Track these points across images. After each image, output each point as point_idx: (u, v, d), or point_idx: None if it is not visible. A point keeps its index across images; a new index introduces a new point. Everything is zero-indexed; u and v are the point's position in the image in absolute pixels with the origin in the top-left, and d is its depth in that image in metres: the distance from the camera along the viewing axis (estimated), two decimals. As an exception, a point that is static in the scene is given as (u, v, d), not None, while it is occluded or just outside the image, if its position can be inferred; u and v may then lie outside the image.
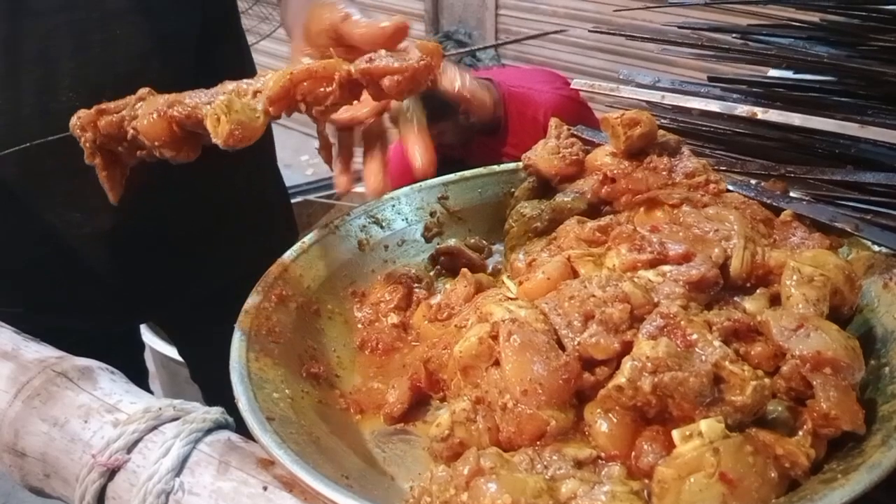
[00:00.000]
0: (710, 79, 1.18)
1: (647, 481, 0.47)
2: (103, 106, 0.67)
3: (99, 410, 0.56)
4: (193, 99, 0.63)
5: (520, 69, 2.78)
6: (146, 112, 0.64)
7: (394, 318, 0.73)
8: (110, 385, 0.59)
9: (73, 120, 0.67)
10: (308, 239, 0.76)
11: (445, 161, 0.95)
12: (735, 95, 1.02)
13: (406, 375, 0.65)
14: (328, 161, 0.72)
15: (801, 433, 0.49)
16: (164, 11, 0.88)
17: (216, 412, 0.55)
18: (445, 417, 0.53)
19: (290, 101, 0.63)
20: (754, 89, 1.10)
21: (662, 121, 1.01)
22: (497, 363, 0.53)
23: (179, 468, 0.51)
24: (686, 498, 0.45)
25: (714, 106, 0.85)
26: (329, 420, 0.61)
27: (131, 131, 0.65)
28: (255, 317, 0.64)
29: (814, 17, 1.14)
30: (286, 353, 0.64)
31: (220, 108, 0.60)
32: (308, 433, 0.56)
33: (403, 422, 0.62)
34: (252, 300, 0.66)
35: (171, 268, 1.01)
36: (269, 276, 0.69)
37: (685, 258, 0.58)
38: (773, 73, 1.20)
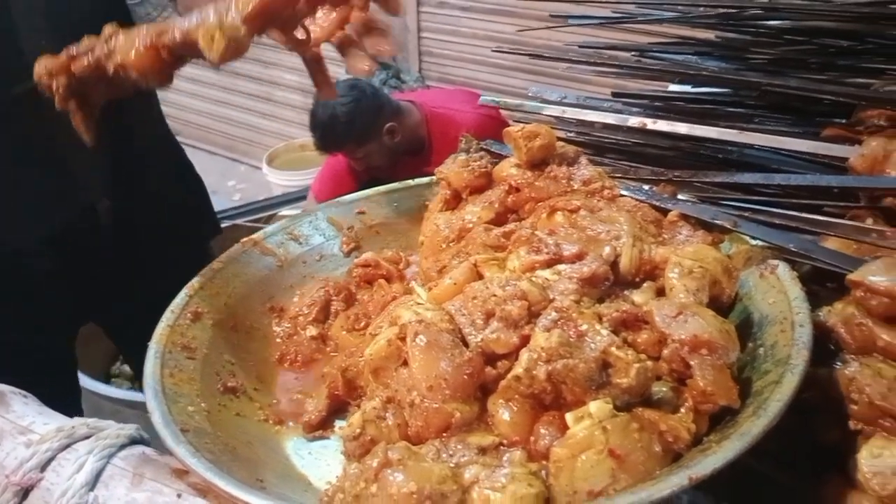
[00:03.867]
0: (614, 94, 1.25)
1: (544, 462, 0.51)
2: (72, 50, 0.67)
3: (11, 433, 0.56)
4: (182, 24, 0.64)
5: (443, 90, 2.85)
6: (128, 46, 0.65)
7: (312, 331, 0.75)
8: (22, 408, 0.59)
9: (39, 68, 0.67)
10: (225, 256, 0.77)
11: (372, 182, 0.99)
12: (635, 109, 1.09)
13: (325, 385, 0.67)
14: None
15: (683, 410, 0.53)
16: None
17: (130, 428, 0.56)
18: (356, 417, 0.56)
19: (264, 19, 0.64)
20: (655, 103, 1.18)
21: (569, 133, 1.07)
22: (406, 363, 0.56)
23: (93, 483, 0.51)
24: (579, 474, 0.48)
25: (610, 119, 0.91)
26: (247, 431, 0.62)
27: (112, 67, 0.65)
28: (170, 334, 0.65)
29: (710, 35, 1.23)
30: (203, 369, 0.65)
31: (213, 28, 0.62)
32: (224, 443, 0.57)
33: (322, 429, 0.64)
34: (167, 317, 0.67)
35: (113, 271, 1.01)
36: (184, 294, 0.70)
37: (579, 257, 0.63)
38: (672, 87, 1.28)
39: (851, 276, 0.60)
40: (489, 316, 0.57)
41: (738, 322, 0.64)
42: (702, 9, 1.06)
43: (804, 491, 0.56)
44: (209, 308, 0.72)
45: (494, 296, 0.58)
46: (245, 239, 0.79)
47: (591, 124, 0.99)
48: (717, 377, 0.53)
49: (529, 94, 1.13)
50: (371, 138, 2.14)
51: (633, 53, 1.19)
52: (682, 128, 0.84)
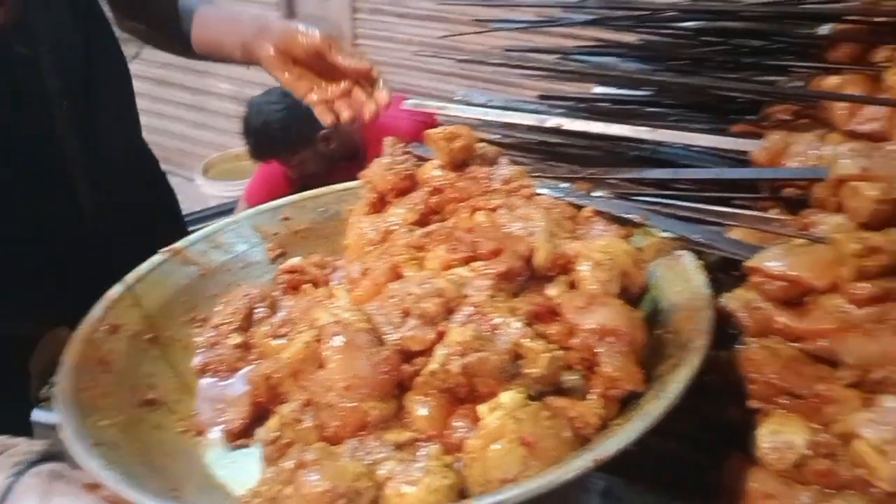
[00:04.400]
0: (541, 97, 1.28)
1: (459, 455, 0.52)
2: None
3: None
4: None
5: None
6: None
7: (235, 339, 0.74)
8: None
9: None
10: (143, 268, 0.76)
11: (307, 189, 0.99)
12: (559, 110, 1.12)
13: (247, 392, 0.66)
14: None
15: (592, 396, 0.55)
16: None
17: (41, 444, 0.55)
18: (274, 421, 0.56)
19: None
20: (580, 104, 1.22)
21: (495, 135, 1.10)
22: (323, 365, 0.57)
23: (1, 500, 0.50)
24: (492, 463, 0.50)
25: (530, 120, 0.93)
26: (166, 443, 0.61)
27: None
28: (84, 347, 0.64)
29: (632, 38, 1.27)
30: (120, 382, 0.64)
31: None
32: (139, 456, 0.56)
33: (245, 437, 0.64)
34: (81, 331, 0.65)
35: (87, 277, 0.98)
36: (99, 307, 0.69)
37: (495, 254, 0.64)
38: (597, 89, 1.32)
39: (749, 263, 0.63)
40: (406, 314, 0.58)
41: (647, 310, 0.66)
42: (619, 13, 1.09)
43: (712, 469, 0.59)
44: (128, 320, 0.71)
45: (411, 294, 0.59)
46: (165, 248, 0.78)
47: (514, 126, 1.01)
48: (623, 363, 0.55)
49: (456, 98, 1.15)
50: (305, 145, 2.13)
51: (557, 56, 1.22)
52: (596, 127, 0.87)
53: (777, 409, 0.56)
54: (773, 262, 0.61)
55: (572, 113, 1.07)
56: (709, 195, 0.80)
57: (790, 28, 0.97)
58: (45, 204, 0.89)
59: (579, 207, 0.76)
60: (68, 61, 0.91)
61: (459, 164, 0.80)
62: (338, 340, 0.55)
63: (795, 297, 0.60)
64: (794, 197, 0.74)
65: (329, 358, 0.55)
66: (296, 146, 2.13)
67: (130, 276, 0.74)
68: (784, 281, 0.60)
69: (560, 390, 0.56)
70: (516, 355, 0.55)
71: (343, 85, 0.87)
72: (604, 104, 1.19)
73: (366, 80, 0.87)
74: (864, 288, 0.56)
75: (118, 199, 1.00)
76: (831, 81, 0.80)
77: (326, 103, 0.86)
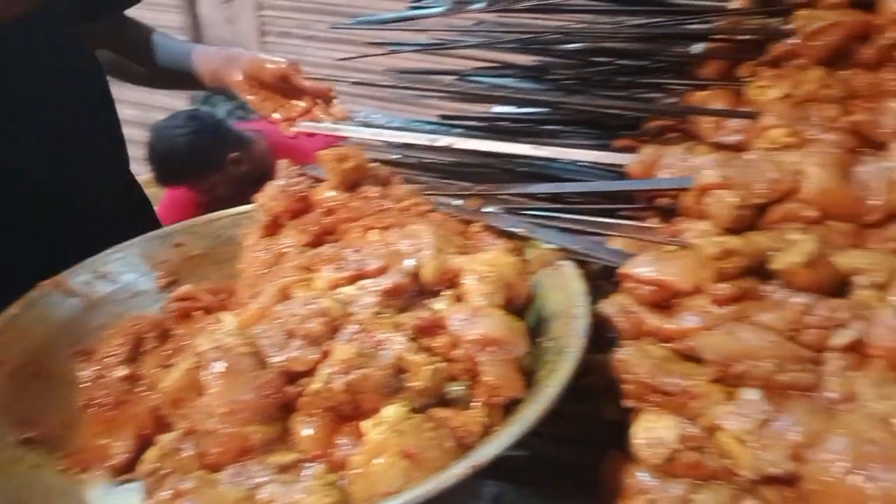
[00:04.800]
0: (442, 117, 1.31)
1: (343, 472, 0.52)
2: None
3: None
4: None
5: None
6: None
7: (122, 371, 0.72)
8: None
9: None
10: (23, 301, 0.73)
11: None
12: (458, 130, 1.15)
13: (132, 425, 0.65)
14: None
15: (476, 405, 0.57)
16: None
17: None
18: (153, 452, 0.55)
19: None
20: (481, 123, 1.25)
21: (395, 156, 1.11)
22: (204, 391, 0.56)
23: None
24: (375, 478, 0.50)
25: (422, 139, 0.95)
26: (45, 483, 0.59)
27: None
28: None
29: (529, 59, 1.31)
30: (-5, 421, 0.61)
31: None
32: (14, 498, 0.54)
33: (130, 472, 0.62)
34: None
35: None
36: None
37: (381, 271, 0.65)
38: (496, 108, 1.36)
39: (621, 269, 0.66)
40: (290, 335, 0.58)
41: (532, 320, 0.69)
42: (509, 36, 1.13)
43: (594, 468, 0.61)
44: (6, 356, 0.68)
45: (295, 315, 0.59)
46: (44, 281, 0.75)
47: (413, 146, 1.03)
48: (503, 371, 0.57)
49: (356, 120, 1.16)
50: (215, 169, 2.10)
51: (454, 77, 1.25)
52: (486, 145, 0.90)
53: (649, 407, 0.59)
54: (643, 267, 0.65)
55: (468, 132, 1.10)
56: (593, 207, 0.84)
57: (667, 48, 1.03)
58: None
59: (470, 223, 0.79)
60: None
61: (352, 184, 0.81)
62: (218, 366, 0.55)
63: (664, 300, 0.64)
64: (667, 206, 0.78)
65: (209, 384, 0.55)
66: (204, 170, 2.10)
67: (12, 310, 0.71)
68: (653, 285, 0.64)
69: (445, 401, 0.57)
70: (399, 369, 0.56)
71: (304, 104, 1.02)
72: (502, 123, 1.23)
73: (323, 100, 1.04)
74: (724, 289, 0.60)
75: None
76: (700, 96, 0.86)
77: (289, 120, 1.01)
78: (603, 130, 1.10)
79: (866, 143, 0.67)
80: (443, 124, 1.24)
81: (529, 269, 0.73)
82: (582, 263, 0.74)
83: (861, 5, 0.71)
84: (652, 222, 0.80)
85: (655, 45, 1.04)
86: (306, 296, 0.61)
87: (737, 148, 0.75)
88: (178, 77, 1.19)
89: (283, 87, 1.01)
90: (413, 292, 0.65)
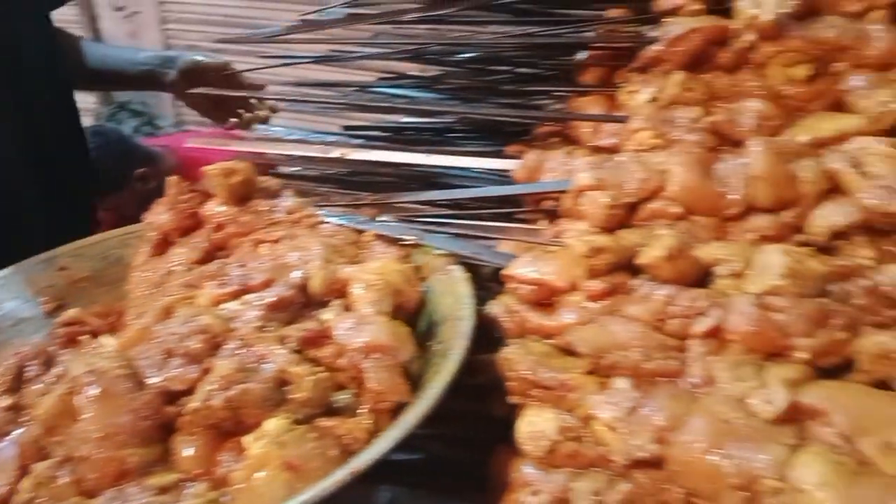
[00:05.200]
0: (345, 128, 1.31)
1: (226, 489, 0.52)
2: None
3: None
4: None
5: (201, 132, 2.78)
6: None
7: (5, 401, 0.69)
8: None
9: None
10: None
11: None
12: (358, 141, 1.15)
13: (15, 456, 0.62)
14: None
15: (363, 412, 0.58)
16: None
17: None
18: (27, 482, 0.53)
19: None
20: (384, 134, 1.26)
21: (295, 168, 1.11)
22: (79, 416, 0.54)
23: None
24: (258, 492, 0.50)
25: (314, 151, 0.95)
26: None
27: None
28: None
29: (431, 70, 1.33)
30: None
31: None
32: None
33: (10, 504, 0.60)
34: None
35: None
36: None
37: (266, 285, 0.65)
38: (404, 119, 1.37)
39: (505, 271, 0.69)
40: (169, 354, 0.57)
41: (425, 324, 0.70)
42: (405, 46, 1.15)
43: (485, 465, 0.63)
44: None
45: (175, 334, 0.58)
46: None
47: (311, 158, 1.03)
48: (388, 377, 0.58)
49: (255, 133, 1.16)
50: (120, 186, 2.03)
51: (354, 89, 1.25)
52: (378, 155, 0.91)
53: (532, 402, 0.61)
54: (523, 268, 0.67)
55: (369, 142, 1.11)
56: (485, 212, 0.86)
57: (555, 56, 1.07)
58: None
59: (362, 233, 0.79)
60: None
61: (241, 198, 0.81)
62: (92, 390, 0.54)
63: (545, 299, 0.66)
64: (551, 209, 0.81)
65: (84, 409, 0.53)
66: (108, 188, 2.02)
67: None
68: (533, 285, 0.66)
69: (332, 410, 0.58)
70: (282, 382, 0.56)
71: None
72: (406, 132, 1.24)
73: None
74: (596, 285, 0.63)
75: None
76: (580, 102, 0.89)
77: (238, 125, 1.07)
78: (500, 137, 1.14)
79: (726, 141, 0.71)
80: (346, 135, 1.25)
81: (421, 274, 0.74)
82: (475, 267, 0.76)
83: (718, 12, 0.76)
84: (541, 224, 0.83)
85: (544, 54, 1.08)
86: (186, 314, 0.60)
87: (612, 150, 0.78)
88: (109, 78, 1.23)
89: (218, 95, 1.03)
90: (300, 304, 0.65)
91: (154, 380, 0.56)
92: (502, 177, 0.94)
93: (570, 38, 0.99)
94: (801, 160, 0.65)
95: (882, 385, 0.52)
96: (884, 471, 0.45)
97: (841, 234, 0.62)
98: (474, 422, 0.67)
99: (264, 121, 1.38)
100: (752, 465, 0.48)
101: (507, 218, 0.86)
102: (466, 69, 1.18)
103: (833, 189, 0.64)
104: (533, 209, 0.83)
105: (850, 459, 0.46)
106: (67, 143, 1.15)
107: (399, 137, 1.21)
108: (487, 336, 0.68)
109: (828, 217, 0.63)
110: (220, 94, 1.13)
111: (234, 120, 1.19)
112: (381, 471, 0.64)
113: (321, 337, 0.61)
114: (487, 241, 0.81)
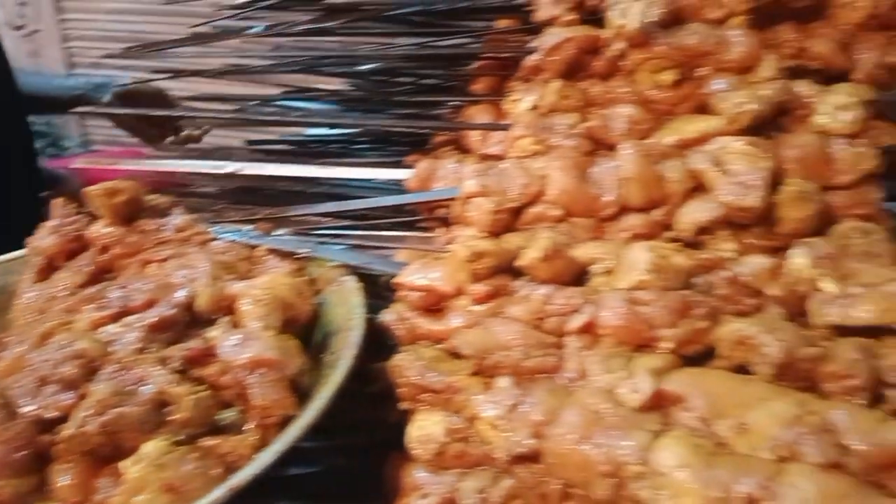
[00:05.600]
0: (248, 142, 1.30)
1: (103, 516, 0.51)
2: None
3: None
4: None
5: (109, 152, 2.69)
6: None
7: None
8: None
9: None
10: None
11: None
12: (258, 155, 1.15)
13: None
14: None
15: (249, 429, 0.57)
16: None
17: None
18: None
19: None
20: (289, 147, 1.25)
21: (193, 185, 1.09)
22: (-56, 452, 0.52)
23: None
24: (136, 517, 0.49)
25: (206, 167, 0.94)
26: None
27: None
28: None
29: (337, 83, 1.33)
30: None
31: None
32: None
33: None
34: None
35: None
36: None
37: (148, 305, 0.64)
38: (311, 131, 1.37)
39: (396, 279, 0.70)
40: (43, 382, 0.56)
41: (320, 336, 0.70)
42: (301, 59, 1.15)
43: (380, 473, 0.64)
44: None
45: (49, 361, 0.57)
46: None
47: (204, 175, 1.01)
48: (273, 392, 0.58)
49: (153, 151, 1.13)
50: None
51: (254, 103, 1.25)
52: (272, 169, 0.91)
53: (422, 406, 0.62)
54: (413, 275, 0.68)
55: (269, 157, 1.10)
56: (382, 222, 0.87)
57: (452, 66, 1.09)
58: None
59: (254, 248, 0.79)
60: None
61: (127, 218, 0.79)
62: (-45, 424, 0.51)
63: (434, 304, 0.68)
64: (445, 216, 0.82)
65: (-52, 444, 0.51)
66: (7, 215, 1.94)
67: None
68: (422, 291, 0.67)
69: (218, 429, 0.57)
70: (162, 403, 0.55)
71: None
72: (312, 145, 1.24)
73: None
74: (480, 288, 0.65)
75: None
76: (471, 112, 0.92)
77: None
78: (402, 148, 1.15)
79: (601, 145, 0.74)
80: (248, 149, 1.24)
81: (315, 287, 0.75)
82: (373, 277, 0.77)
83: (591, 22, 0.80)
84: (437, 232, 0.84)
85: (441, 65, 1.10)
86: (62, 339, 0.59)
87: (499, 157, 0.80)
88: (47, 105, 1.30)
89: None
90: (184, 323, 0.64)
91: (28, 408, 0.54)
92: (400, 187, 0.95)
93: (462, 49, 1.01)
94: (668, 161, 0.69)
95: (741, 370, 0.56)
96: (737, 450, 0.49)
97: (705, 230, 0.66)
98: (371, 430, 0.67)
99: (198, 139, 1.36)
100: (618, 452, 0.50)
101: (406, 227, 0.88)
102: (367, 81, 1.19)
103: (698, 187, 0.68)
104: (427, 217, 0.85)
105: (708, 441, 0.49)
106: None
107: (303, 150, 1.21)
108: (382, 344, 0.69)
109: (692, 214, 0.66)
110: (151, 115, 1.12)
111: (170, 139, 1.19)
112: (277, 486, 0.65)
113: (205, 355, 0.60)
114: (385, 251, 0.82)
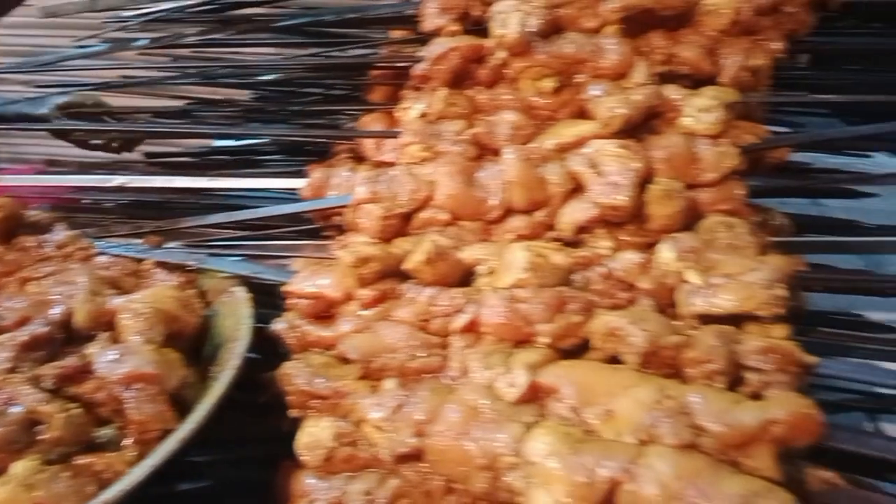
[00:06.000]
0: (147, 154, 1.27)
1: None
2: None
3: None
4: None
5: (16, 170, 2.56)
6: None
7: None
8: None
9: None
10: None
11: None
12: (149, 168, 1.13)
13: None
14: None
15: (127, 445, 0.56)
16: None
17: None
18: None
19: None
20: (192, 159, 1.23)
21: (84, 201, 1.06)
22: None
23: None
24: (0, 541, 0.47)
25: (93, 182, 0.92)
26: None
27: None
28: None
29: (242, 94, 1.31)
30: None
31: None
32: None
33: None
34: None
35: None
36: None
37: (21, 324, 0.62)
38: (217, 143, 1.35)
39: (285, 287, 0.70)
40: None
41: (211, 348, 0.69)
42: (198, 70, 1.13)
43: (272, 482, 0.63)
44: None
45: None
46: None
47: (95, 189, 0.99)
48: (151, 406, 0.57)
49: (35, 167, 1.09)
50: None
51: (149, 115, 1.22)
52: (161, 181, 0.89)
53: (311, 413, 0.62)
54: (302, 283, 0.69)
55: (176, 170, 1.08)
56: (278, 231, 0.87)
57: (349, 76, 1.10)
58: None
59: (141, 262, 0.77)
60: None
61: (5, 236, 0.76)
62: None
63: (324, 311, 0.68)
64: (341, 224, 0.83)
65: None
66: None
67: None
68: (311, 298, 0.67)
69: (94, 446, 0.56)
70: (32, 423, 0.53)
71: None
72: (222, 156, 1.23)
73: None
74: (367, 293, 0.65)
75: None
76: (366, 120, 0.93)
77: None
78: (309, 157, 1.15)
79: (486, 151, 0.77)
80: (146, 162, 1.21)
81: (207, 299, 0.74)
82: (270, 287, 0.76)
83: (476, 32, 0.82)
84: (336, 240, 0.84)
85: (340, 75, 1.10)
86: (-77, 363, 0.56)
87: (392, 164, 0.82)
88: None
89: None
90: (60, 341, 0.62)
91: None
92: (296, 196, 0.95)
93: (359, 59, 1.02)
94: (548, 164, 0.71)
95: (613, 360, 0.58)
96: (603, 436, 0.51)
97: (584, 229, 0.69)
98: (263, 440, 0.66)
99: (130, 149, 1.32)
100: (493, 445, 0.51)
101: (306, 235, 0.88)
102: (267, 91, 1.18)
103: (577, 188, 0.70)
104: (323, 225, 0.85)
105: (577, 429, 0.52)
106: None
107: (204, 162, 1.20)
108: (275, 353, 0.68)
109: (571, 214, 0.69)
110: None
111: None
112: (167, 502, 0.63)
113: (80, 372, 0.59)
114: (282, 260, 0.81)
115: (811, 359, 0.54)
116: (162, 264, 0.77)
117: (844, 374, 0.64)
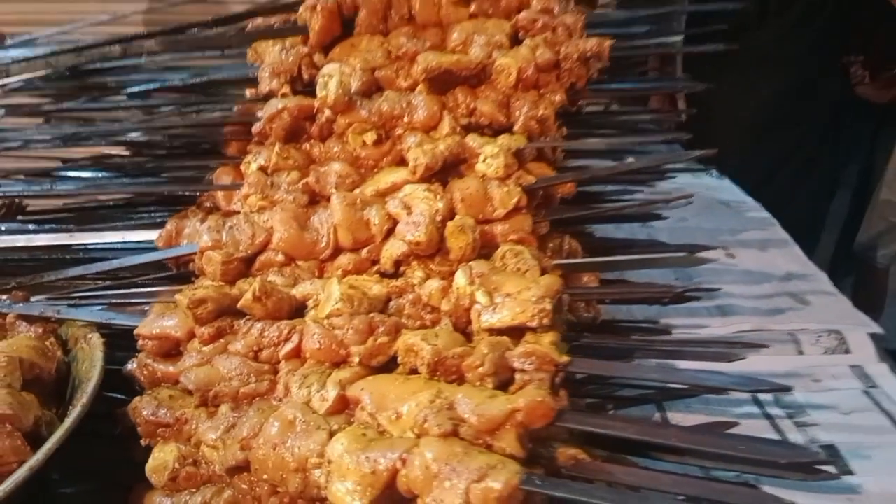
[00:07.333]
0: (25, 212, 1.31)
1: None
2: None
3: None
4: None
5: None
6: None
7: None
8: None
9: None
10: None
11: None
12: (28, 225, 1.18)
13: None
14: None
15: (-17, 482, 0.63)
16: None
17: None
18: None
19: None
20: (69, 215, 1.28)
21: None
22: None
23: None
24: None
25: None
26: None
27: None
28: None
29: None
30: None
31: None
32: None
33: None
34: None
35: None
36: None
37: None
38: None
39: (136, 331, 0.78)
40: None
41: (71, 391, 0.77)
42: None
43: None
44: None
45: None
46: None
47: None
48: (8, 443, 0.64)
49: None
50: None
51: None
52: (21, 239, 0.96)
53: (158, 440, 0.71)
54: (150, 325, 0.77)
55: (57, 223, 1.14)
56: (140, 280, 0.95)
57: (212, 131, 1.19)
58: None
59: (5, 316, 0.84)
60: None
61: None
62: None
63: (172, 349, 0.77)
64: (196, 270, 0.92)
65: None
66: None
67: None
68: (157, 339, 0.76)
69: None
70: None
71: None
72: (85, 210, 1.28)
73: None
74: (205, 331, 0.75)
75: None
76: (220, 172, 1.02)
77: None
78: (177, 208, 1.23)
79: (319, 198, 0.88)
80: (24, 221, 1.26)
81: (68, 346, 0.81)
82: (127, 331, 0.84)
83: (306, 93, 0.94)
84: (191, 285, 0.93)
85: (204, 130, 1.19)
86: None
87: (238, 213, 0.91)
88: None
89: None
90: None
91: None
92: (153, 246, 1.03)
93: (216, 117, 1.12)
94: (370, 207, 0.83)
95: (413, 371, 0.70)
96: (392, 434, 0.62)
97: (401, 262, 0.81)
98: (120, 467, 0.74)
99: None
100: (303, 450, 0.62)
101: (168, 281, 0.96)
102: (133, 148, 1.26)
103: (394, 228, 0.82)
104: (184, 271, 0.94)
105: (372, 431, 0.63)
106: None
107: (74, 217, 1.25)
108: (132, 390, 0.76)
109: (389, 250, 0.81)
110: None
111: None
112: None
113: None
114: (143, 306, 0.89)
115: (564, 358, 0.67)
116: (23, 317, 0.83)
117: (641, 375, 0.79)
